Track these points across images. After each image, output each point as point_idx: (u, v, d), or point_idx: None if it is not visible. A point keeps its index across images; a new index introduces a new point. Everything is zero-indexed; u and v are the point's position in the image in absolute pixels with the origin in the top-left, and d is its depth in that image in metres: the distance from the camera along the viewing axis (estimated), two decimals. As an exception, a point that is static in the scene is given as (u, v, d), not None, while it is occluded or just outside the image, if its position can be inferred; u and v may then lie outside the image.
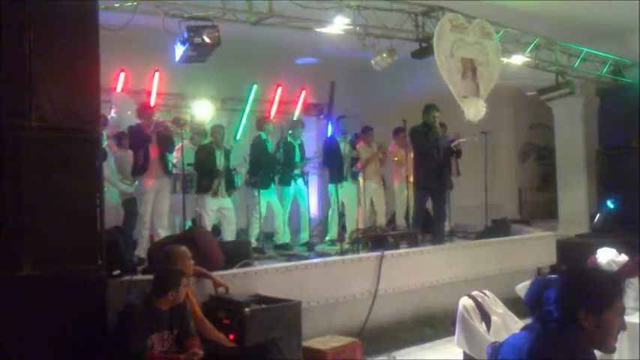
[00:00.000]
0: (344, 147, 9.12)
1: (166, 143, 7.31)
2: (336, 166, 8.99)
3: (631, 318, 4.22)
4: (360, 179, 9.24)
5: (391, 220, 9.75)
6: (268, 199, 8.68)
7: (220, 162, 8.15)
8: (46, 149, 4.33)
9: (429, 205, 8.36)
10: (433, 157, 8.05)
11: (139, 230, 7.11)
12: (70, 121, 4.43)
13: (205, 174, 8.02)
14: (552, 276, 2.32)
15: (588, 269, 2.34)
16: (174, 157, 7.88)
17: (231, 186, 8.34)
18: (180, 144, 7.77)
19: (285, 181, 8.98)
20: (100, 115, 4.77)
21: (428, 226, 8.29)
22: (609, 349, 2.20)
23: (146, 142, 7.15)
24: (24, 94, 4.22)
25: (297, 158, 9.06)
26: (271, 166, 8.75)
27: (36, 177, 4.24)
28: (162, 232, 7.23)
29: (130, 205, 7.86)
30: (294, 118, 10.86)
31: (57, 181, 4.34)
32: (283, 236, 8.80)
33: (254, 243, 8.09)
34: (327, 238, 9.30)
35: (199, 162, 8.17)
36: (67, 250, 4.35)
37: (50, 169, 4.33)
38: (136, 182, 7.41)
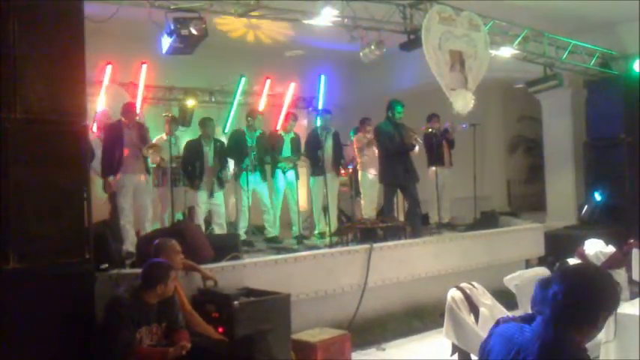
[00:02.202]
0: (326, 141, 9.08)
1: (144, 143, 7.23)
2: (317, 159, 8.94)
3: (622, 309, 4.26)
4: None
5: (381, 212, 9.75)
6: (254, 187, 8.53)
7: (209, 157, 8.07)
8: (31, 141, 4.28)
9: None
10: (398, 154, 8.09)
11: (124, 224, 7.05)
12: (56, 114, 4.39)
13: (195, 170, 7.95)
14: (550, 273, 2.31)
15: (599, 272, 2.33)
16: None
17: (221, 181, 8.25)
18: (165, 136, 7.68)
19: (271, 173, 8.87)
20: (86, 107, 4.70)
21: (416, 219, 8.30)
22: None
23: (122, 141, 7.04)
24: (9, 86, 4.17)
25: (289, 152, 8.98)
26: (246, 156, 8.42)
27: (22, 169, 4.20)
28: (149, 226, 7.19)
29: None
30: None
31: (43, 174, 4.30)
32: (273, 230, 8.76)
33: (243, 236, 8.06)
34: (316, 232, 9.29)
35: (187, 158, 8.09)
36: (54, 243, 4.31)
37: (36, 161, 4.28)
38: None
